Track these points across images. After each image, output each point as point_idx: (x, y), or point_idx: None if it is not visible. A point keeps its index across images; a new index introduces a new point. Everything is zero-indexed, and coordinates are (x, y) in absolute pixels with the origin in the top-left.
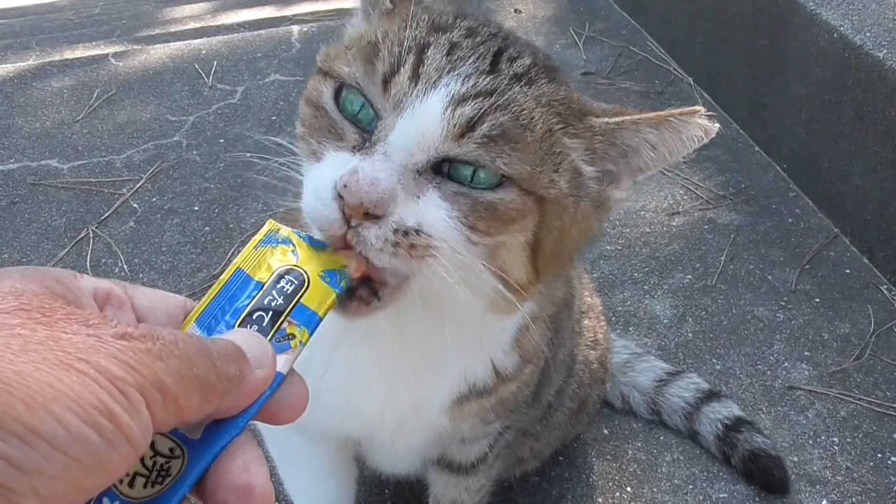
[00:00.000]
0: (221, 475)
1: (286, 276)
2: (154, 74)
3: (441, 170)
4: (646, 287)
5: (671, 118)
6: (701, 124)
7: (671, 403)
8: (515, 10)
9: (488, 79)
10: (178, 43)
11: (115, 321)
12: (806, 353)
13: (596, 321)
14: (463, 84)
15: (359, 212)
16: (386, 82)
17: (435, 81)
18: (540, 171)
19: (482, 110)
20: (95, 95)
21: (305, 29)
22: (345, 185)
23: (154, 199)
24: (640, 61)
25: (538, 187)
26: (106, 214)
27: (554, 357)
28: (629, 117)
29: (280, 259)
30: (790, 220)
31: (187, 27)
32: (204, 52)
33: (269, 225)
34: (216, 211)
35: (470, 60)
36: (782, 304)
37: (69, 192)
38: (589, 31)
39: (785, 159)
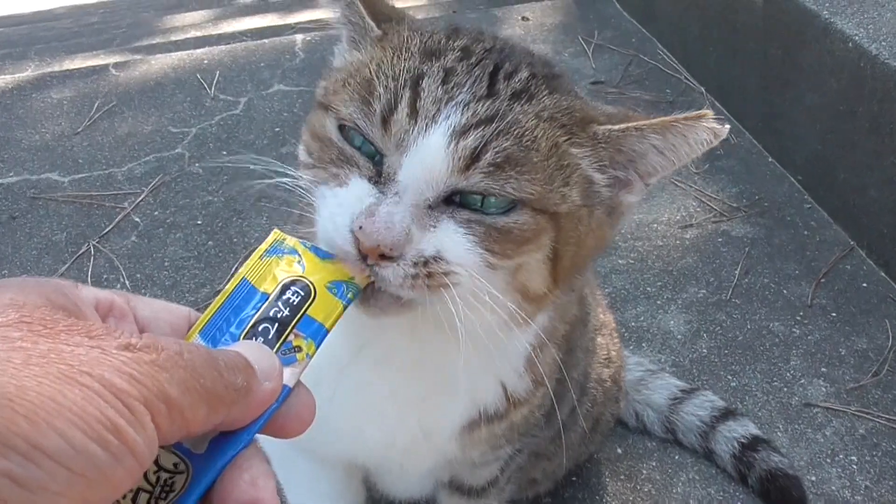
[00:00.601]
0: (228, 489)
1: (292, 287)
2: (155, 85)
3: (452, 200)
4: (659, 302)
5: (676, 123)
6: (708, 127)
7: (686, 422)
8: (523, 18)
9: (487, 103)
10: (180, 53)
11: (119, 331)
12: (823, 370)
13: (609, 338)
14: (462, 114)
15: (374, 253)
16: (385, 121)
17: (434, 115)
18: (550, 188)
19: (485, 139)
20: (96, 107)
21: (309, 38)
22: (360, 228)
23: (156, 213)
24: (651, 70)
25: (550, 205)
26: (107, 229)
27: (567, 377)
28: (633, 124)
29: (286, 269)
30: (805, 233)
31: (188, 36)
32: (206, 61)
33: (275, 234)
34: (219, 225)
35: (466, 87)
36: (798, 318)
37: (70, 206)
38: (598, 39)
39: (799, 170)
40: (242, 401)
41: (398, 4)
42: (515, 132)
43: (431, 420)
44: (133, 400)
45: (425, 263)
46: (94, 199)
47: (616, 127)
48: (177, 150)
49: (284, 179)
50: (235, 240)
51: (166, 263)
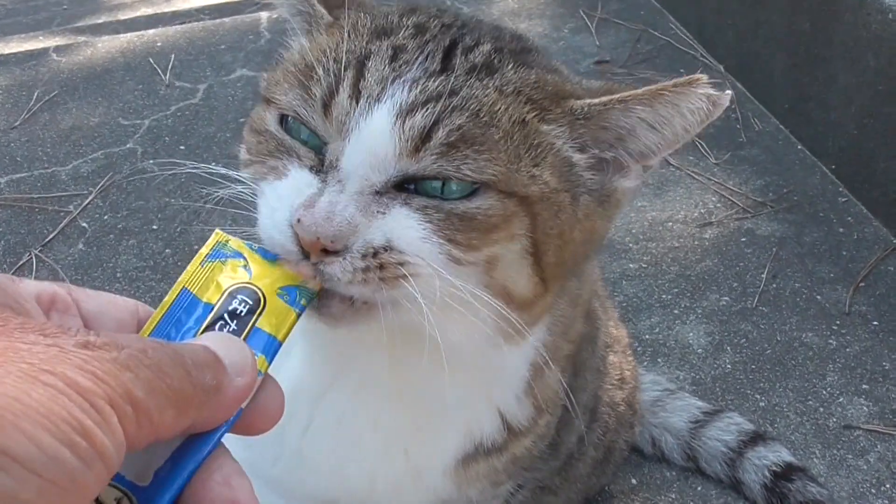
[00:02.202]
0: (200, 494)
1: (238, 296)
2: (102, 71)
3: (405, 187)
4: (676, 311)
5: (664, 91)
6: (703, 94)
7: (710, 448)
8: None
9: (439, 79)
10: (130, 34)
11: (74, 329)
12: (864, 386)
13: (622, 356)
14: (410, 91)
15: (315, 248)
16: (326, 106)
17: (378, 95)
18: (516, 168)
19: (435, 116)
20: (35, 97)
21: (275, 16)
22: (299, 220)
23: (106, 218)
24: (663, 47)
25: (518, 186)
26: (51, 236)
27: (575, 401)
28: (616, 96)
29: (230, 276)
30: (841, 230)
31: (138, 14)
32: (159, 44)
33: (216, 236)
34: (178, 230)
35: (417, 63)
36: (834, 328)
37: (7, 211)
38: (602, 13)
39: (833, 159)
40: (212, 400)
41: None
42: (471, 108)
43: (421, 454)
44: (99, 399)
45: (375, 254)
46: (35, 203)
47: (596, 101)
48: (128, 146)
49: (238, 187)
50: (196, 246)
51: (118, 274)
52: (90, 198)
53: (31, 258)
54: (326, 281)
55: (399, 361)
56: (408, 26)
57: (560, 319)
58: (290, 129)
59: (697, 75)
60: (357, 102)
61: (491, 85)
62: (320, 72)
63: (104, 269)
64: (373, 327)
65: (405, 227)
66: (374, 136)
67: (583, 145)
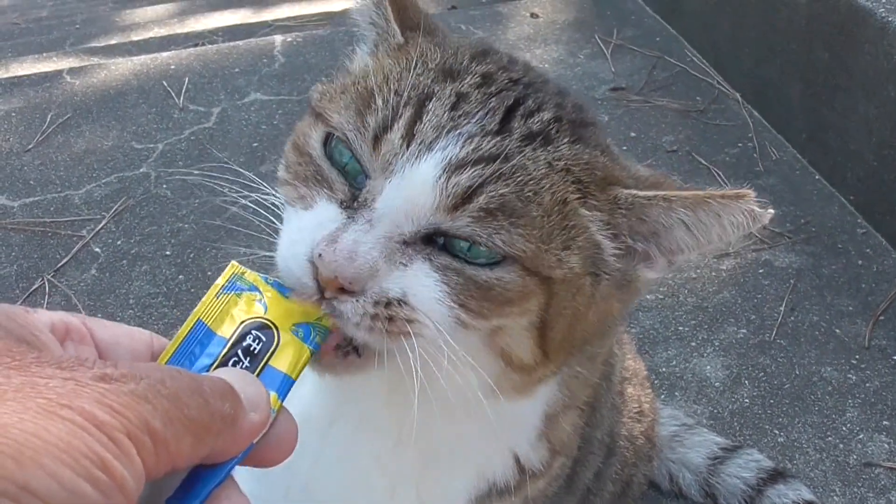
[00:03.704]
0: None
1: (253, 332)
2: (116, 94)
3: (433, 241)
4: (693, 344)
5: (712, 200)
6: (747, 209)
7: (728, 485)
8: (532, 15)
9: (494, 140)
10: (143, 56)
11: (91, 361)
12: (885, 423)
13: (640, 388)
14: (463, 147)
15: (333, 286)
16: (377, 139)
17: (431, 143)
18: (546, 248)
19: (481, 179)
20: (49, 120)
21: (290, 39)
22: (320, 255)
23: (119, 243)
24: (678, 74)
25: (543, 267)
26: (63, 261)
27: (591, 438)
28: (662, 193)
29: (245, 310)
30: (859, 262)
31: (151, 35)
32: (173, 66)
33: (232, 268)
34: (191, 256)
35: (476, 117)
36: (854, 362)
37: (20, 235)
38: (617, 39)
39: (852, 190)
40: (228, 430)
41: None
42: (518, 178)
43: (432, 493)
44: (117, 432)
45: (387, 305)
46: (48, 227)
47: (642, 193)
48: (141, 170)
49: (254, 195)
50: (210, 273)
51: (131, 301)
52: (103, 222)
53: (44, 283)
54: (336, 318)
55: (395, 404)
56: (476, 73)
57: (576, 375)
58: (333, 151)
59: (746, 190)
60: (408, 146)
61: (542, 158)
62: (379, 102)
63: (117, 296)
64: (356, 378)
65: (424, 285)
66: (417, 184)
67: (615, 234)
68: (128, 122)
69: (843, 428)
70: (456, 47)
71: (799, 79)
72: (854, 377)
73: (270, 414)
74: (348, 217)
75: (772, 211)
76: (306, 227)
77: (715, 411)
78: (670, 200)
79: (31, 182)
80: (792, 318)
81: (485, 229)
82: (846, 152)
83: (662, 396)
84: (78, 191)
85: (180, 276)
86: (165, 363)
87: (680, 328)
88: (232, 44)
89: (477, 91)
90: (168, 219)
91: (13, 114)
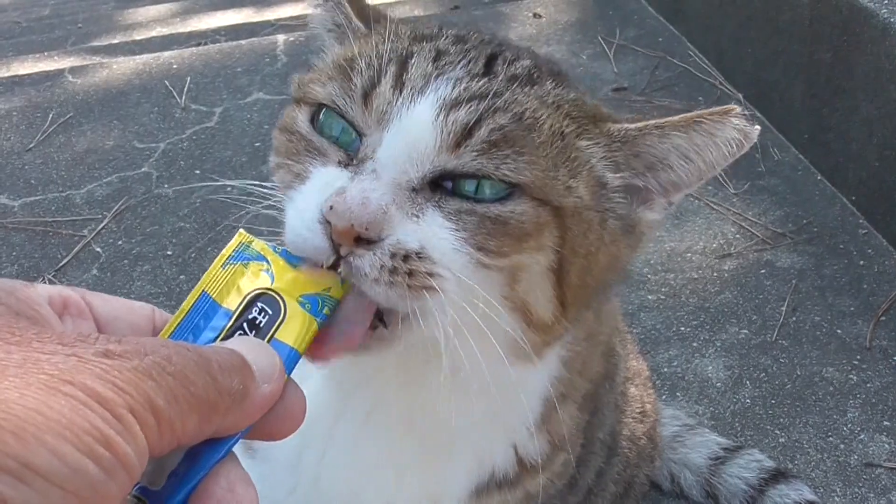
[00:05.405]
0: (202, 500)
1: (258, 303)
2: (118, 93)
3: (441, 186)
4: (695, 344)
5: (702, 119)
6: (737, 125)
7: (730, 486)
8: (535, 15)
9: (482, 81)
10: (145, 55)
11: (94, 337)
12: (885, 423)
13: (643, 389)
14: (454, 88)
15: (348, 237)
16: (367, 96)
17: (422, 87)
18: (553, 176)
19: (479, 114)
20: (50, 119)
21: (292, 38)
22: (331, 207)
23: (120, 243)
24: (681, 74)
25: (553, 195)
26: (64, 260)
27: (593, 438)
28: (653, 122)
29: (251, 280)
30: (861, 263)
31: (153, 34)
32: (175, 66)
33: (240, 236)
34: (192, 256)
35: (460, 65)
36: (855, 363)
37: (21, 234)
38: (620, 39)
39: (853, 191)
40: (237, 407)
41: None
42: (514, 110)
43: (435, 484)
44: (120, 408)
45: (405, 258)
46: (49, 226)
47: (633, 125)
48: (143, 169)
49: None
50: None
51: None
52: (104, 222)
53: (45, 282)
54: (354, 277)
55: (407, 387)
56: (448, 35)
57: (577, 355)
58: (322, 125)
59: (731, 105)
60: (400, 93)
61: (532, 94)
62: (363, 64)
63: (117, 295)
64: (383, 354)
65: (440, 236)
66: (416, 127)
67: (616, 167)
68: (129, 121)
69: (845, 428)
70: (422, 23)
71: (801, 80)
72: (855, 377)
73: (283, 384)
74: (351, 173)
75: (758, 127)
76: (311, 192)
77: (716, 411)
78: (662, 127)
79: (33, 181)
80: (793, 318)
81: (491, 160)
82: (848, 153)
83: (664, 397)
84: (79, 190)
85: (181, 276)
86: (168, 337)
87: (681, 328)
88: (234, 43)
89: (454, 46)
90: (169, 218)
91: (14, 113)
